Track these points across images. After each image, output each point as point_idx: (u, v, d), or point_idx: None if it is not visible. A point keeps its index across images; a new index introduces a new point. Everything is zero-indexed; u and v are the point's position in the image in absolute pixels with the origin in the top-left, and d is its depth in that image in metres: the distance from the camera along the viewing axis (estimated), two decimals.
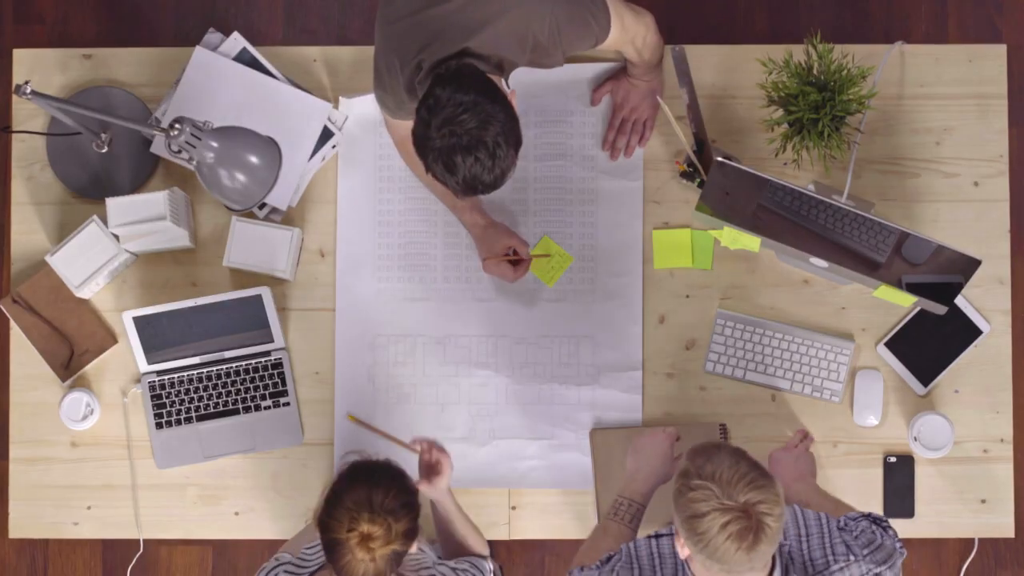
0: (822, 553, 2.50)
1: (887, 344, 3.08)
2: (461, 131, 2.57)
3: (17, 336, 3.13)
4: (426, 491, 2.82)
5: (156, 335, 3.08)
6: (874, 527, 2.56)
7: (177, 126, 2.70)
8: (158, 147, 3.11)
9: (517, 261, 3.05)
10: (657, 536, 2.56)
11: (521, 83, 3.10)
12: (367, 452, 2.60)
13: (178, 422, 3.09)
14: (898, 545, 2.55)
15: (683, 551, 2.37)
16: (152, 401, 3.09)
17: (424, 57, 2.68)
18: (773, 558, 2.44)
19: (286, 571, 2.64)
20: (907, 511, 3.07)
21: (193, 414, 3.09)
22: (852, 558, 2.50)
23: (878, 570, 2.50)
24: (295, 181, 3.09)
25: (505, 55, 2.71)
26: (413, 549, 2.53)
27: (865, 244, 2.82)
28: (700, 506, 2.30)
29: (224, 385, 3.09)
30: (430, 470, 2.83)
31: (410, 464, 3.09)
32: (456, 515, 2.84)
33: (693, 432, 3.06)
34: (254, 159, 2.75)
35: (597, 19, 2.76)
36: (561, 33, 2.72)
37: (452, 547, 2.85)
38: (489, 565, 2.79)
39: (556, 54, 2.77)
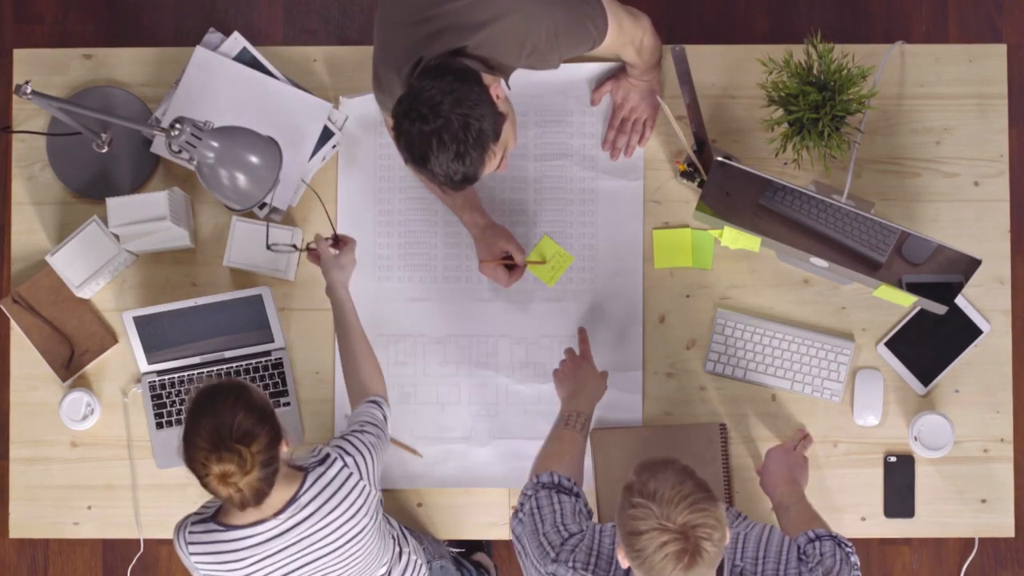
0: None
1: (887, 344, 3.08)
2: (426, 109, 2.54)
3: (17, 336, 3.13)
4: (330, 269, 2.87)
5: (156, 335, 3.08)
6: (836, 551, 2.56)
7: (177, 126, 2.70)
8: (158, 147, 3.11)
9: (512, 266, 3.05)
10: None
11: (521, 83, 3.10)
12: (212, 376, 2.62)
13: (178, 422, 3.09)
14: (855, 573, 2.55)
15: (624, 562, 2.37)
16: (152, 401, 3.09)
17: (421, 58, 2.68)
18: (720, 574, 2.44)
19: (194, 521, 2.67)
20: (907, 511, 3.07)
21: None
22: None
23: None
24: (295, 181, 3.09)
25: (501, 59, 2.70)
26: (285, 450, 2.56)
27: (865, 244, 2.82)
28: (639, 524, 2.30)
29: None
30: (336, 246, 2.92)
31: (414, 467, 3.09)
32: (356, 328, 2.85)
33: (693, 432, 3.06)
34: (254, 159, 2.75)
35: (595, 23, 2.75)
36: (559, 37, 2.72)
37: (354, 384, 2.85)
38: (385, 410, 2.79)
39: (553, 58, 2.76)
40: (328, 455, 2.68)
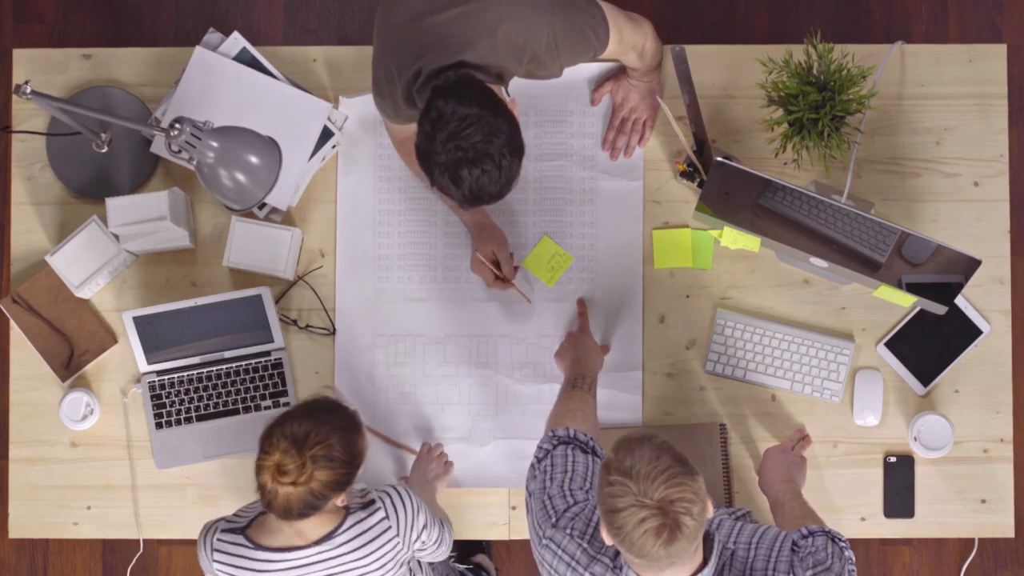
0: (764, 565, 2.51)
1: (887, 344, 3.08)
2: (467, 145, 2.55)
3: (17, 336, 3.13)
4: (418, 483, 2.94)
5: (156, 335, 3.08)
6: (830, 545, 2.56)
7: (177, 126, 2.70)
8: (158, 147, 3.12)
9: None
10: None
11: (521, 83, 3.10)
12: (344, 397, 2.62)
13: (178, 422, 3.09)
14: (849, 568, 2.55)
15: (608, 539, 2.38)
16: (152, 401, 3.09)
17: (422, 66, 2.67)
18: (708, 554, 2.43)
19: (223, 529, 2.67)
20: (907, 511, 3.07)
21: (193, 414, 3.09)
22: None
23: None
24: (295, 181, 3.09)
25: (503, 63, 2.70)
26: (337, 502, 2.57)
27: (865, 244, 2.82)
28: (617, 501, 2.30)
29: (224, 385, 3.09)
30: (439, 471, 2.99)
31: (408, 463, 3.09)
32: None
33: (693, 432, 3.06)
34: (254, 159, 2.75)
35: (596, 32, 2.75)
36: (559, 46, 2.71)
37: None
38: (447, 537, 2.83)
39: (553, 66, 2.76)
40: (373, 501, 2.67)
